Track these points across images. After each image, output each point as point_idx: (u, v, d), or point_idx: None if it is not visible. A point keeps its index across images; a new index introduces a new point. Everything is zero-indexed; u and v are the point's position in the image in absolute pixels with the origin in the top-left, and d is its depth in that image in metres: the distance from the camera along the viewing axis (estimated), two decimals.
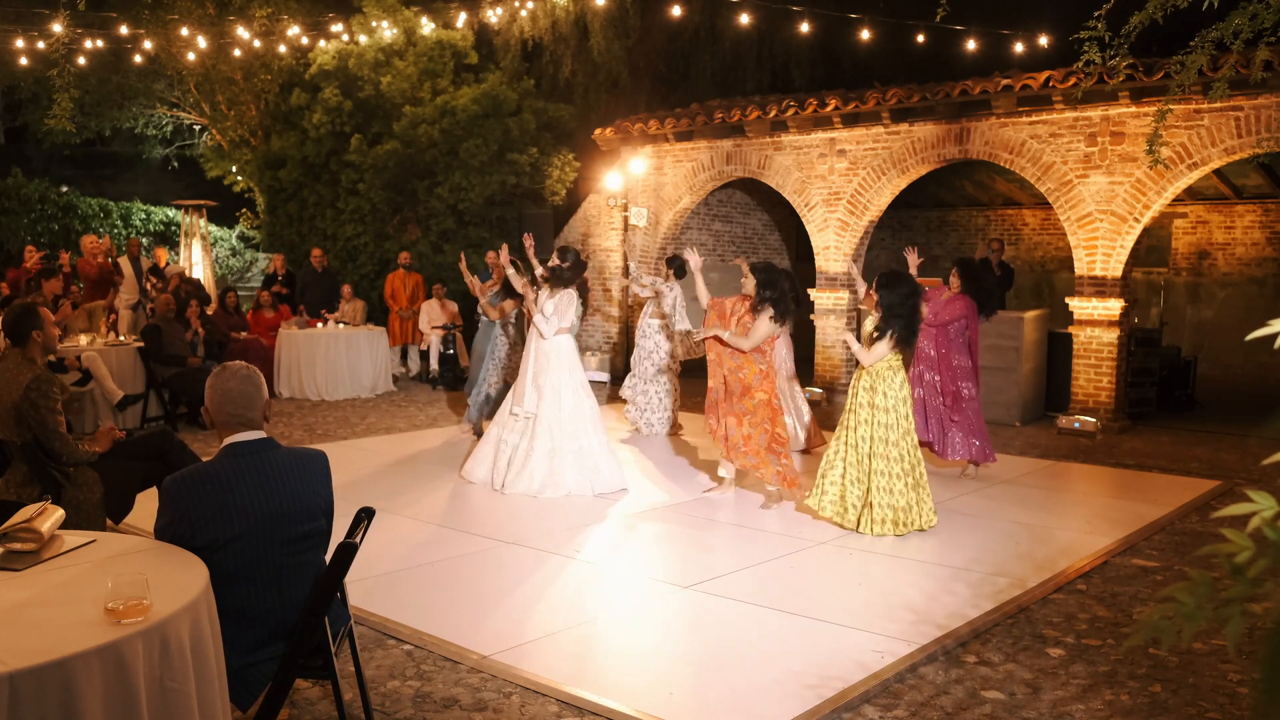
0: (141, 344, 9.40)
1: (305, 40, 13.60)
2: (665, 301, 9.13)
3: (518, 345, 8.47)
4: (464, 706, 3.63)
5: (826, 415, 10.39)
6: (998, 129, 10.09)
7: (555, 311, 6.91)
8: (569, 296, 6.98)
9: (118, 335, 10.03)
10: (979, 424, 7.49)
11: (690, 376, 10.97)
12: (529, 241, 7.39)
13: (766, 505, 6.62)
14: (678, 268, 9.29)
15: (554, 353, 6.93)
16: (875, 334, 6.02)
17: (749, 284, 6.59)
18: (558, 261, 7.08)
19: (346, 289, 12.72)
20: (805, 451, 8.48)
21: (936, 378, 7.53)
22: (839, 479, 6.09)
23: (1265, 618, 1.35)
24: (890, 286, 5.99)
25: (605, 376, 12.91)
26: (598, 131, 13.37)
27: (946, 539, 5.86)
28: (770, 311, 6.47)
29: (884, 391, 5.98)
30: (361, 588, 4.77)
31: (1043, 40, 11.61)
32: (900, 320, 5.95)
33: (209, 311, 11.16)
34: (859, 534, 5.90)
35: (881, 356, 5.97)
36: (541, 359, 6.92)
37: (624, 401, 9.49)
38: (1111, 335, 9.58)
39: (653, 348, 9.20)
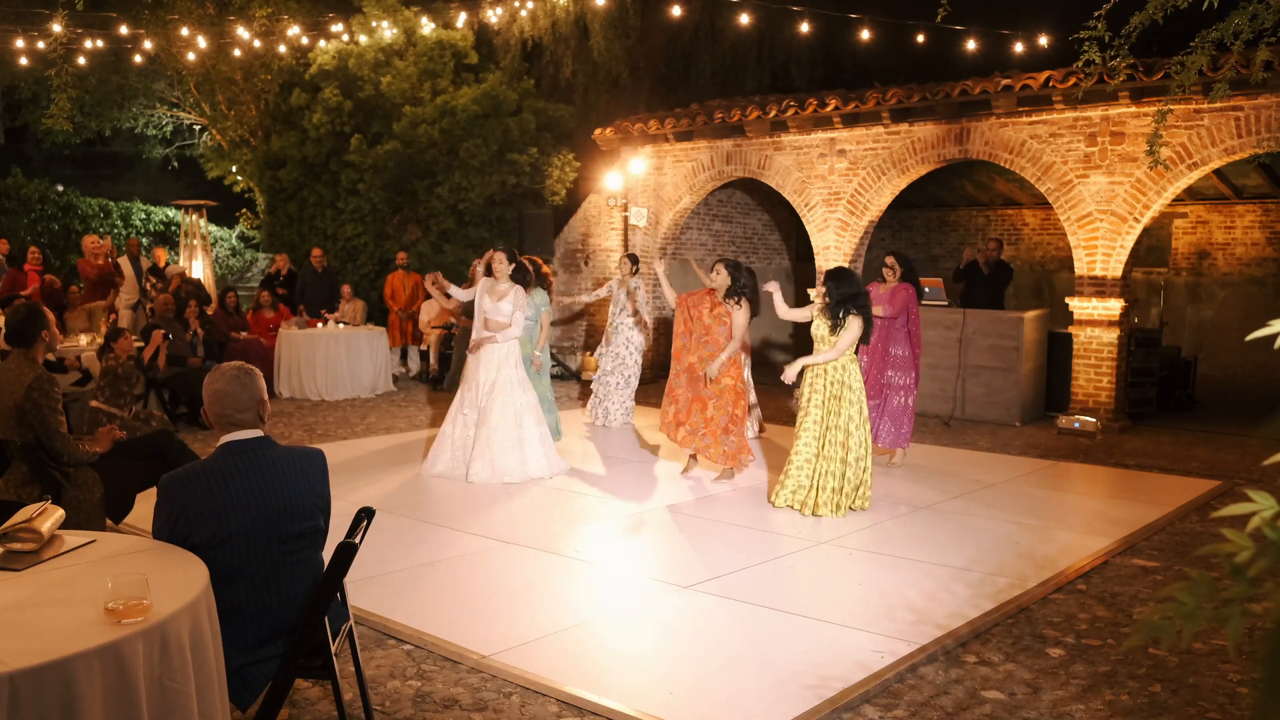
0: (142, 344, 9.40)
1: (305, 40, 13.61)
2: (630, 298, 9.52)
3: None
4: (464, 706, 3.63)
5: None
6: (998, 129, 10.09)
7: (518, 309, 7.29)
8: (520, 293, 7.34)
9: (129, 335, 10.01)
10: (906, 412, 7.80)
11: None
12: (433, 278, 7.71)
13: (720, 479, 7.13)
14: (635, 260, 9.79)
15: (500, 352, 7.31)
16: (841, 325, 6.23)
17: (720, 279, 6.98)
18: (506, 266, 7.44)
19: (346, 289, 12.72)
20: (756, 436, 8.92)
21: (876, 370, 7.79)
22: (824, 473, 6.33)
23: (1265, 618, 1.35)
24: (841, 280, 6.29)
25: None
26: (598, 131, 13.37)
27: (946, 539, 5.86)
28: (748, 305, 6.97)
29: (850, 384, 6.29)
30: (361, 588, 4.77)
31: (1043, 40, 11.61)
32: (864, 311, 6.26)
33: (209, 311, 11.16)
34: (818, 517, 6.23)
35: (852, 343, 6.25)
36: (487, 358, 7.29)
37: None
38: (1111, 335, 9.58)
39: (623, 343, 9.50)
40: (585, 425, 9.50)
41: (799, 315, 6.56)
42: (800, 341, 15.17)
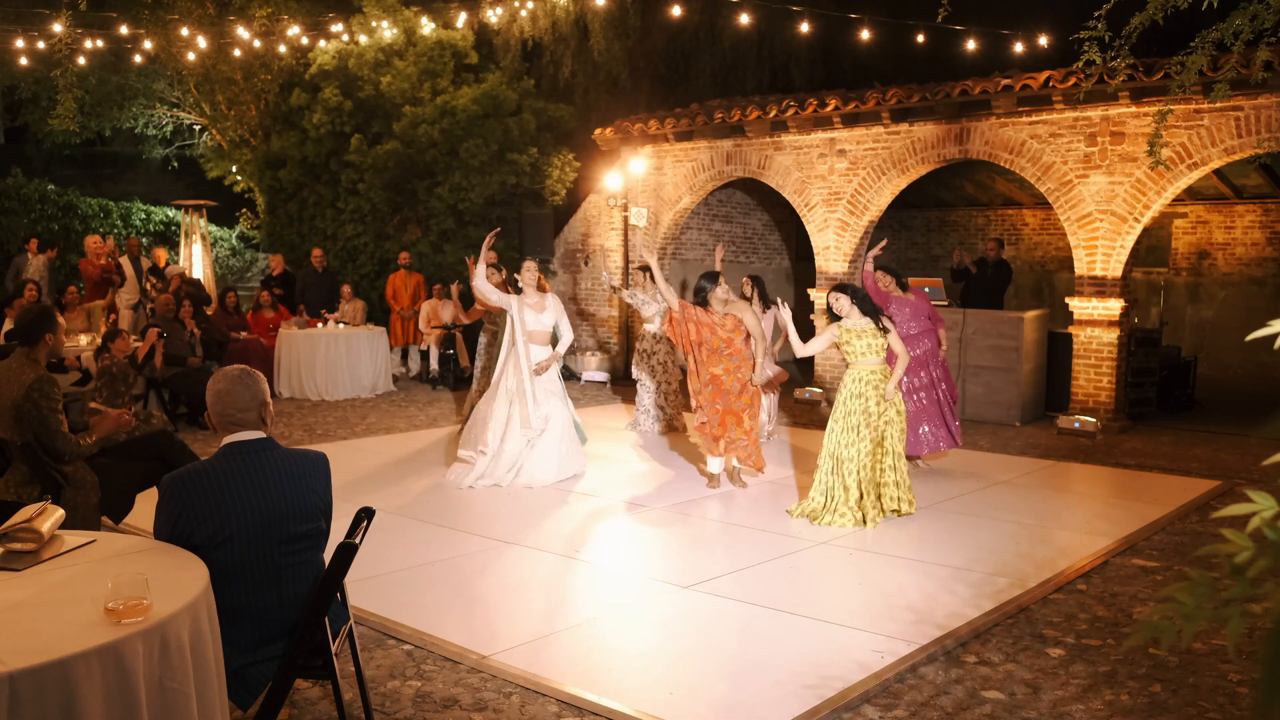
0: (141, 343, 9.40)
1: (305, 40, 13.60)
2: (646, 310, 9.25)
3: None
4: (464, 706, 3.63)
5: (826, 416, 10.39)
6: (998, 129, 10.09)
7: (561, 318, 7.29)
8: (559, 302, 7.32)
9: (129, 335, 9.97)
10: None
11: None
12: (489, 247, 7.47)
13: (742, 484, 7.10)
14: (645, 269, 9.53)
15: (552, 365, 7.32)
16: (886, 330, 6.16)
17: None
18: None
19: (346, 289, 12.73)
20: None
21: (938, 374, 7.65)
22: (889, 481, 6.23)
23: (1265, 618, 1.35)
24: (857, 292, 6.24)
25: (604, 376, 12.93)
26: (598, 131, 13.37)
27: (946, 539, 5.86)
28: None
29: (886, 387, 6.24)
30: (361, 588, 4.77)
31: (1043, 40, 11.61)
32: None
33: (209, 311, 11.16)
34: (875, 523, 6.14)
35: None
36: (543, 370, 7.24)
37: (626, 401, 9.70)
38: (1111, 335, 9.58)
39: (651, 350, 9.31)
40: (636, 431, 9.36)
41: (820, 344, 6.34)
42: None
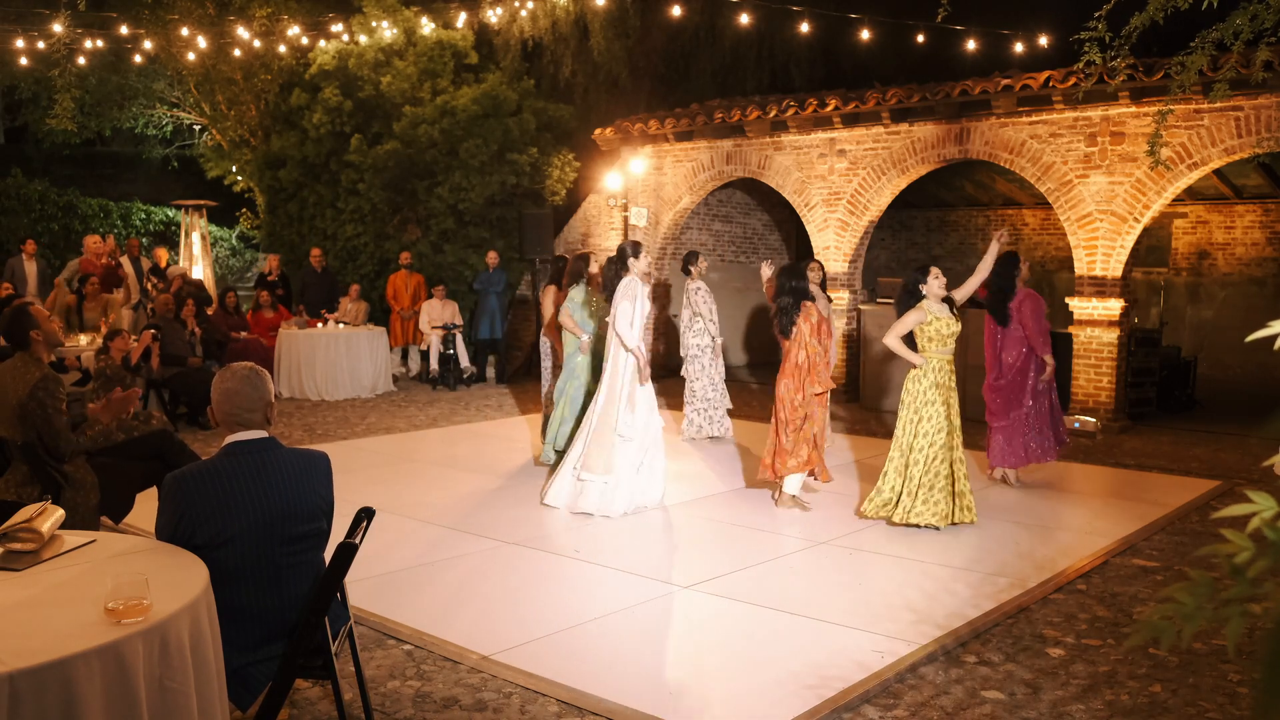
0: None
1: (305, 40, 13.60)
2: (701, 308, 8.64)
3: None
4: (464, 706, 3.63)
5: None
6: (998, 129, 10.09)
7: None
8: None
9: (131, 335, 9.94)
10: None
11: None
12: None
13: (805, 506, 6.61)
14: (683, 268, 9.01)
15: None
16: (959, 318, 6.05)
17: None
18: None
19: (355, 288, 12.76)
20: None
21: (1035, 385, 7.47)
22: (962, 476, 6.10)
23: (1265, 618, 1.35)
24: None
25: None
26: (598, 131, 13.37)
27: (946, 539, 5.86)
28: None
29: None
30: (361, 588, 4.77)
31: (1043, 40, 11.61)
32: None
33: (209, 311, 11.16)
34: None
35: None
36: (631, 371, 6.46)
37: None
38: (1111, 335, 9.58)
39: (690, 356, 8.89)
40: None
41: (907, 326, 5.95)
42: None
